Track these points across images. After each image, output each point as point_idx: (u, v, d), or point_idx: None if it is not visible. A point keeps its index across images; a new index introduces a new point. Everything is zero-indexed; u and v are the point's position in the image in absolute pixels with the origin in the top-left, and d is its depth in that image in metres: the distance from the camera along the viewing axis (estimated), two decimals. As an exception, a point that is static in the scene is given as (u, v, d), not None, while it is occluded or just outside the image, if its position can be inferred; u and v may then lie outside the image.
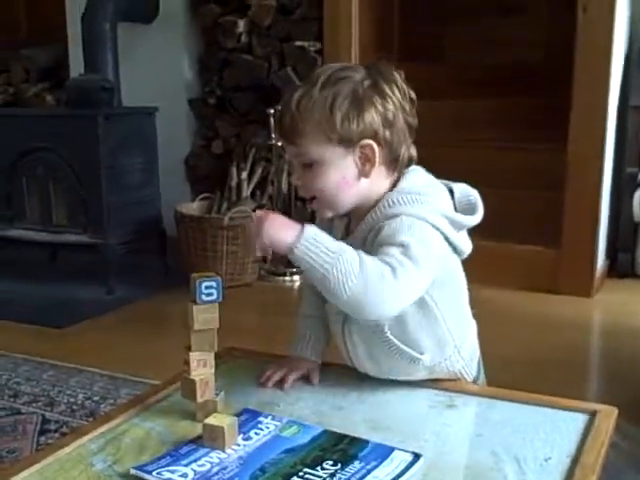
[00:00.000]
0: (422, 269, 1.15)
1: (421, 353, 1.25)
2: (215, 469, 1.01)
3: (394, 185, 1.25)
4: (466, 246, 1.27)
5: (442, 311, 1.25)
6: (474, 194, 1.28)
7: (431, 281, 1.19)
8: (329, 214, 1.27)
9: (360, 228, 1.24)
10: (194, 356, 1.13)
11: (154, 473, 0.99)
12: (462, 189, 1.29)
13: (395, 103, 1.22)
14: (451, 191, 1.27)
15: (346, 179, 1.22)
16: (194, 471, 1.00)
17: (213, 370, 1.15)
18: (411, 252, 1.14)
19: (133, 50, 3.77)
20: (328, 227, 1.29)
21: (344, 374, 1.33)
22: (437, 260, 1.19)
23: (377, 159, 1.22)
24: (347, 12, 3.51)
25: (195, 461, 1.02)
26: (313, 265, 1.12)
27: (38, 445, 2.00)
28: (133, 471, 1.00)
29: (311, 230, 1.13)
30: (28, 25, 4.81)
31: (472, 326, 1.37)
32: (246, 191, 3.52)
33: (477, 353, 1.37)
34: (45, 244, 3.54)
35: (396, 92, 1.23)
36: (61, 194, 3.42)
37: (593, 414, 1.16)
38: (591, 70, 3.11)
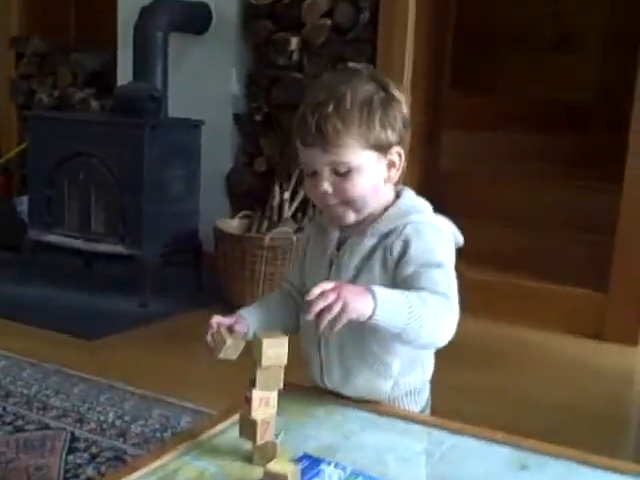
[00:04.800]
0: (455, 281, 1.23)
1: (392, 360, 1.28)
2: (277, 522, 0.92)
3: (396, 195, 1.31)
4: (461, 238, 1.32)
5: None
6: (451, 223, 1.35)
7: None
8: (352, 218, 1.27)
9: (374, 230, 1.26)
10: (257, 394, 1.05)
11: (212, 523, 0.91)
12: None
13: (405, 105, 1.27)
14: None
15: (377, 184, 1.26)
16: (254, 523, 0.92)
17: (275, 410, 1.07)
18: (448, 270, 1.22)
19: (182, 61, 3.73)
20: (322, 230, 1.33)
21: (406, 422, 1.24)
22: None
23: (402, 164, 1.27)
24: (402, 35, 3.45)
25: (255, 511, 0.94)
26: (390, 325, 1.13)
27: (66, 464, 1.93)
28: (189, 519, 0.92)
29: (380, 292, 1.12)
30: (78, 29, 4.82)
31: (432, 360, 1.38)
32: (287, 212, 3.45)
33: (428, 392, 1.39)
34: (81, 252, 3.49)
35: (402, 93, 1.27)
36: (101, 201, 3.38)
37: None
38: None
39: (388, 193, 1.29)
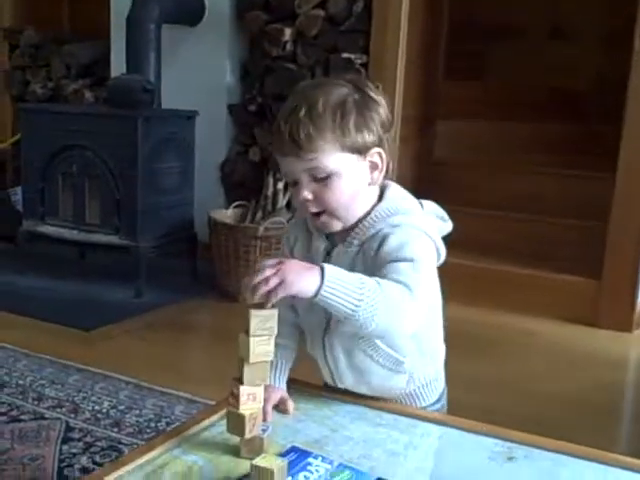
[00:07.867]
0: (430, 282, 1.21)
1: (404, 357, 1.27)
2: (263, 515, 0.94)
3: (380, 195, 1.26)
4: (444, 251, 1.27)
5: (427, 318, 1.23)
6: (439, 207, 1.34)
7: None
8: (338, 226, 1.24)
9: (357, 236, 1.23)
10: (244, 390, 1.06)
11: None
12: (429, 203, 1.33)
13: (385, 107, 1.23)
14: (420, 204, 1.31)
15: (359, 188, 1.23)
16: (241, 516, 0.93)
17: (262, 404, 1.08)
18: (419, 265, 1.17)
19: (176, 52, 3.73)
20: (308, 239, 1.30)
21: (393, 415, 1.26)
22: (435, 270, 1.24)
23: (384, 166, 1.23)
24: (396, 26, 3.44)
25: (242, 505, 0.96)
26: (339, 306, 1.10)
27: (61, 454, 1.94)
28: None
29: (330, 272, 1.10)
30: (71, 21, 4.80)
31: (443, 347, 1.39)
32: (281, 201, 3.45)
33: (443, 380, 1.40)
34: (75, 242, 3.49)
35: (380, 96, 1.24)
36: (95, 193, 3.38)
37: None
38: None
39: (373, 196, 1.25)
